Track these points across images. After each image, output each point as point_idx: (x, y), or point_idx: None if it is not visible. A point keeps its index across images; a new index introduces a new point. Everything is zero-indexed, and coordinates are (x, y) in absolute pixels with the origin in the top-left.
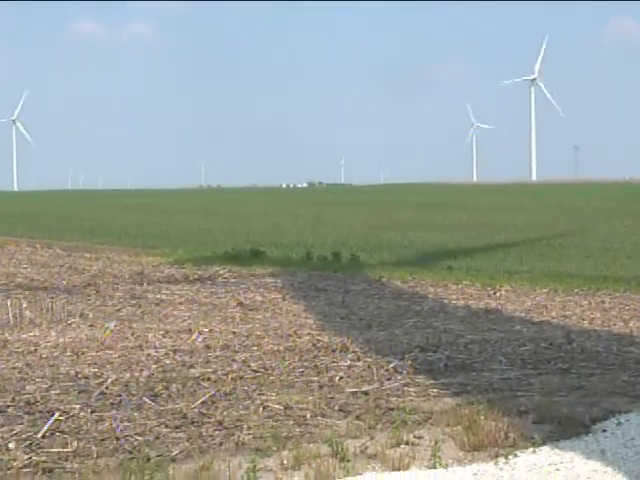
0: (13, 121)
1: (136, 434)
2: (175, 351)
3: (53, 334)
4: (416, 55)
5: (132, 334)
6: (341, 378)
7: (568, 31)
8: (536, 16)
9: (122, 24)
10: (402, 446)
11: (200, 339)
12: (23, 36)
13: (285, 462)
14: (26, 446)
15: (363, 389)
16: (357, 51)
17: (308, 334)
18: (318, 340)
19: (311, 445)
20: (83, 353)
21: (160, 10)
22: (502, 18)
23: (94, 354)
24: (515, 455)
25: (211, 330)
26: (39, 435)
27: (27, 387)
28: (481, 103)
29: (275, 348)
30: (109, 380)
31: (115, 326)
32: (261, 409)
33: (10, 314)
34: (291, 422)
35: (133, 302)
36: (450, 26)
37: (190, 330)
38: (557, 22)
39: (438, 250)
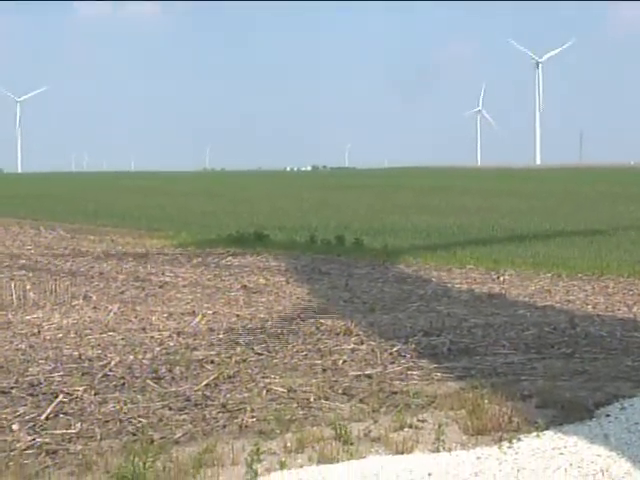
0: (17, 102)
1: (140, 416)
2: (179, 333)
3: (57, 316)
4: (421, 39)
5: (135, 316)
6: (345, 361)
7: (574, 15)
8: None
9: (125, 3)
10: (405, 430)
11: (203, 322)
12: (26, 16)
13: (288, 445)
14: (30, 427)
15: (367, 372)
16: (365, 35)
17: (312, 317)
18: (321, 323)
19: (314, 428)
20: (87, 335)
21: None
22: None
23: (98, 336)
24: (519, 439)
25: (215, 313)
26: (43, 417)
27: (31, 369)
28: (486, 86)
29: (279, 331)
30: (113, 362)
31: (119, 308)
32: (265, 392)
33: (14, 295)
34: (294, 405)
35: (137, 284)
36: (453, 10)
37: (194, 312)
38: (563, 4)
39: (442, 234)
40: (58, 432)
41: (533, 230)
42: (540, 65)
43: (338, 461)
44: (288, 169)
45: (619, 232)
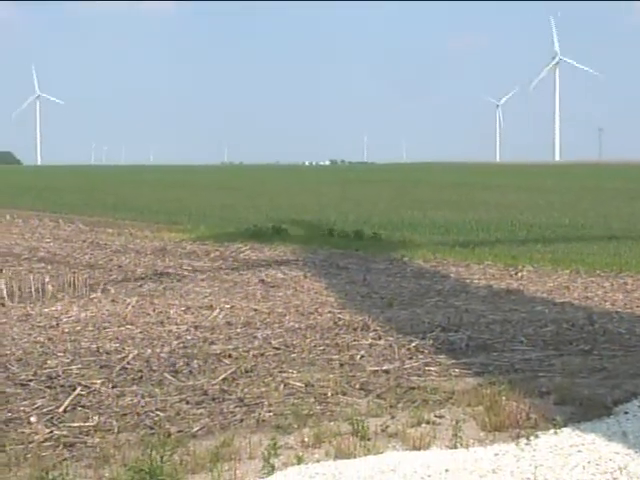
0: (37, 97)
1: (157, 410)
2: (196, 327)
3: (75, 309)
4: (440, 31)
5: (154, 310)
6: (362, 357)
7: (593, 11)
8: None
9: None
10: (423, 425)
11: (221, 316)
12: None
13: (306, 440)
14: (47, 420)
15: (384, 368)
16: (382, 28)
17: (329, 312)
18: (339, 318)
19: (332, 423)
20: (105, 328)
21: None
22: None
23: (116, 329)
24: (536, 436)
25: (232, 307)
26: (60, 409)
27: (49, 361)
28: (505, 81)
29: (296, 326)
30: (130, 355)
31: (137, 301)
32: (282, 386)
33: (32, 288)
34: (312, 400)
35: (155, 278)
36: (475, 3)
37: (211, 306)
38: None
39: (460, 230)
40: (76, 425)
41: (552, 226)
42: (560, 62)
43: (355, 456)
44: (307, 163)
45: (638, 228)
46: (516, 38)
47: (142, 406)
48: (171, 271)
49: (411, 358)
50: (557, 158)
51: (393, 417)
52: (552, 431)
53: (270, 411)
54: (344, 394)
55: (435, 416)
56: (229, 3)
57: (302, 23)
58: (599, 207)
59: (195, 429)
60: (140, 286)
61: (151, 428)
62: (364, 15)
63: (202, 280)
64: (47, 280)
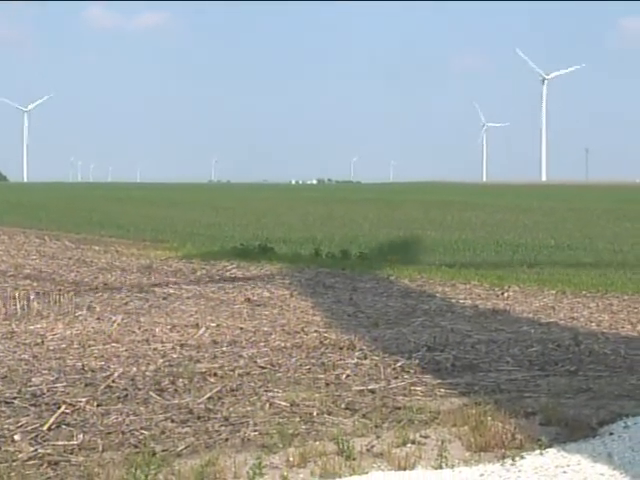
0: (24, 112)
1: (142, 428)
2: (182, 345)
3: (60, 326)
4: (427, 52)
5: (139, 328)
6: (348, 376)
7: (578, 30)
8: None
9: (134, 14)
10: (408, 445)
11: (207, 334)
12: (35, 26)
13: (291, 459)
14: (32, 438)
15: (370, 387)
16: (368, 49)
17: (315, 331)
18: (325, 337)
19: (317, 443)
20: (90, 346)
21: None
22: (513, 14)
23: (101, 347)
24: (522, 457)
25: (218, 325)
26: (45, 427)
27: (33, 379)
28: (492, 101)
29: (282, 345)
30: (116, 374)
31: (122, 319)
32: (267, 405)
33: (18, 305)
34: (297, 419)
35: (140, 296)
36: (459, 22)
37: (197, 325)
38: (568, 21)
39: (446, 249)
40: (60, 443)
41: (538, 246)
42: (546, 82)
43: (340, 476)
44: (293, 182)
45: (623, 250)
46: (503, 58)
47: (127, 425)
48: (157, 289)
49: (397, 378)
50: (544, 178)
51: (378, 437)
52: (537, 452)
53: (255, 430)
54: (330, 413)
55: (421, 436)
56: (217, 22)
57: (292, 41)
58: (585, 228)
59: (180, 448)
60: (126, 304)
61: (136, 447)
62: (352, 35)
63: (188, 298)
64: (32, 297)
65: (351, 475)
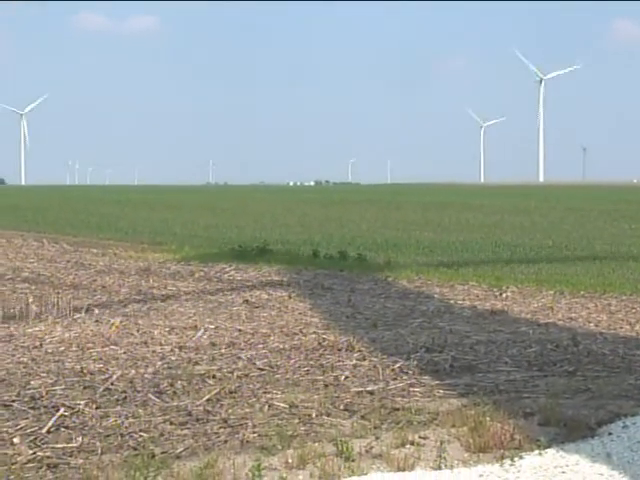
0: (21, 115)
1: (141, 431)
2: (180, 348)
3: (59, 329)
4: (423, 54)
5: (138, 330)
6: (347, 377)
7: (575, 31)
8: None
9: (128, 17)
10: (407, 446)
11: (205, 336)
12: (29, 29)
13: (290, 461)
14: (31, 441)
15: (368, 389)
16: (366, 50)
17: (314, 333)
18: (324, 339)
19: (316, 444)
20: (88, 349)
21: (166, 6)
22: (510, 15)
23: (99, 350)
24: (520, 457)
25: (217, 327)
26: (44, 430)
27: (32, 382)
28: (489, 102)
29: (281, 346)
30: (114, 376)
31: (121, 322)
32: (266, 407)
33: (16, 308)
34: (296, 421)
35: (139, 298)
36: (457, 23)
37: (196, 327)
38: (565, 21)
39: (444, 250)
40: (59, 446)
41: (536, 247)
42: (543, 82)
43: (339, 477)
44: (291, 184)
45: (621, 250)
46: (501, 59)
47: (126, 427)
48: (155, 291)
49: (395, 379)
50: (541, 179)
51: (377, 438)
52: (536, 452)
53: (254, 432)
54: (328, 415)
55: (419, 437)
56: (214, 23)
57: (289, 44)
58: (582, 228)
59: (179, 450)
60: (124, 306)
61: (135, 449)
62: (350, 37)
63: (186, 300)
64: (31, 300)
65: (350, 476)
